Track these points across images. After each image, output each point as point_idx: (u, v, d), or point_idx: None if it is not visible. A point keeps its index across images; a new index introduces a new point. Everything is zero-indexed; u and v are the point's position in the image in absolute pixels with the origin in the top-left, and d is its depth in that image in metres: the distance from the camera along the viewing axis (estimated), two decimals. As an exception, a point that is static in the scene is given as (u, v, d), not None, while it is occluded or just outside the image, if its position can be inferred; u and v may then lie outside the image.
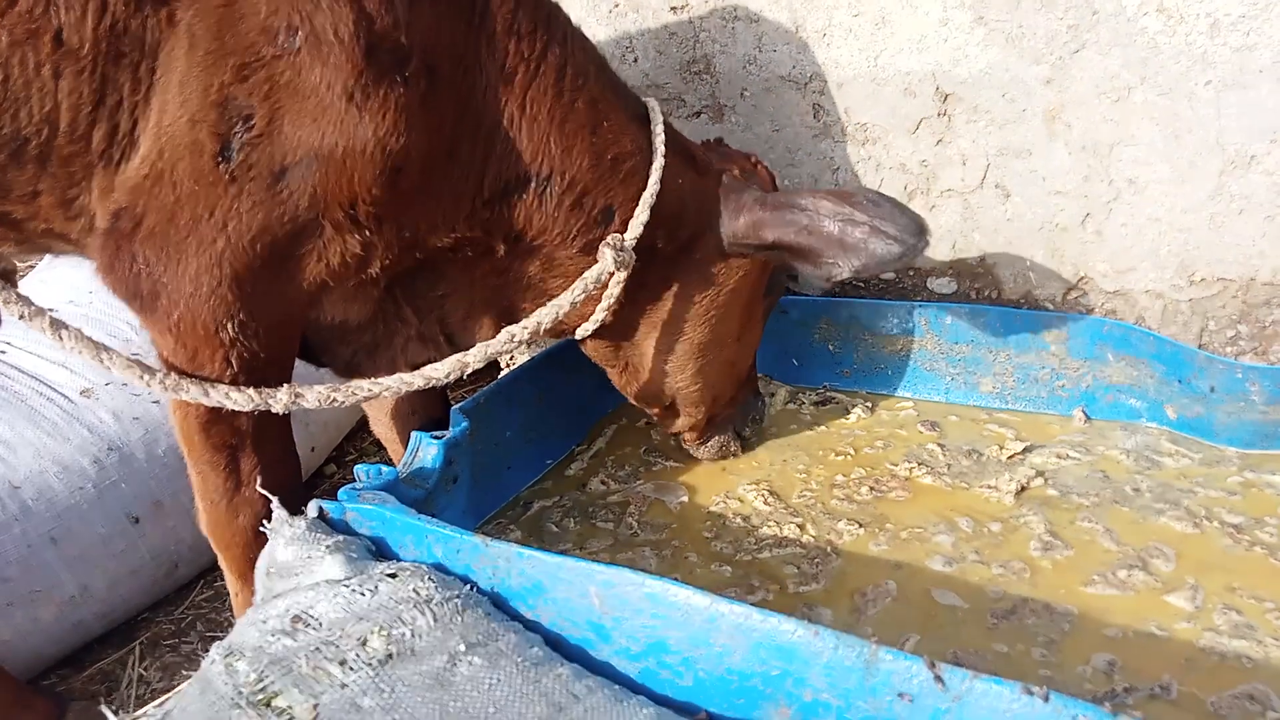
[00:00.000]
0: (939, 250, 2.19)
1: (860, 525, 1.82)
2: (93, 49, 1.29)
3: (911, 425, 2.16)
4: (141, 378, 1.45)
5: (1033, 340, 2.12)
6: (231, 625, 2.42)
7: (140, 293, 1.39)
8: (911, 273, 2.25)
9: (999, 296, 2.18)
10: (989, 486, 1.88)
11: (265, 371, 1.48)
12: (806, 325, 2.35)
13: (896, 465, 2.00)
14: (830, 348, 2.34)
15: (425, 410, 2.10)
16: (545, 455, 2.17)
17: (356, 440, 3.24)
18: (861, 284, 2.33)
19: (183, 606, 2.51)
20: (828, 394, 2.32)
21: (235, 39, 1.31)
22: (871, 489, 1.94)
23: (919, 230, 1.66)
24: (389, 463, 3.04)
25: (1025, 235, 2.09)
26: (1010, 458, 1.98)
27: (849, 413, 2.23)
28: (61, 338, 1.44)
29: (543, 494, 2.08)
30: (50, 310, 1.45)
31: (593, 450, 2.23)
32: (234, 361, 1.43)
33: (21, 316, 1.43)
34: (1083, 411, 2.09)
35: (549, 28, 1.60)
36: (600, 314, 1.76)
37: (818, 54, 2.13)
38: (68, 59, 1.30)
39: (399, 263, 1.57)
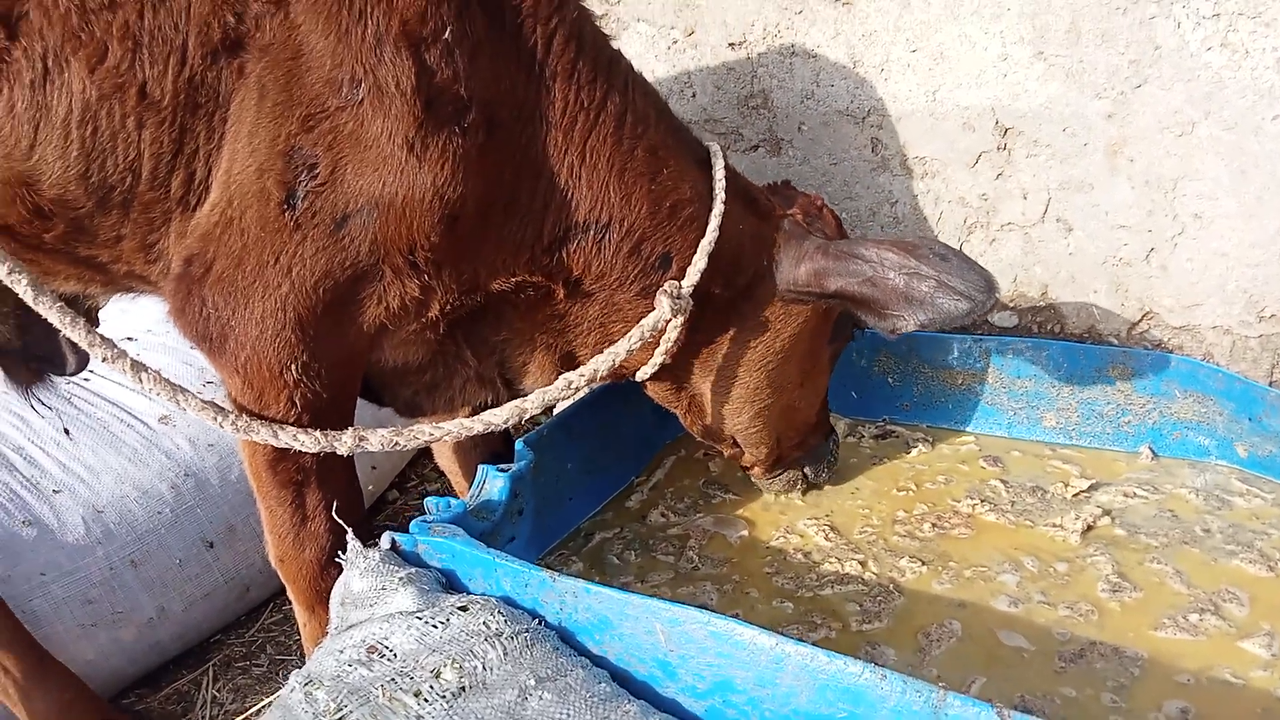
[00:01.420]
0: (1000, 283, 2.18)
1: (923, 563, 1.81)
2: (173, 101, 1.36)
3: (973, 460, 2.15)
4: (215, 419, 1.51)
5: (1097, 375, 2.10)
6: (300, 649, 2.49)
7: (209, 335, 1.45)
8: (960, 322, 2.24)
9: (1062, 331, 2.16)
10: (1054, 525, 1.86)
11: (327, 411, 1.53)
12: (865, 358, 2.35)
13: (959, 501, 1.99)
14: (889, 380, 2.34)
15: (487, 443, 2.14)
16: (605, 487, 2.20)
17: (418, 466, 3.31)
18: (921, 317, 2.33)
19: (253, 629, 2.58)
20: (887, 427, 2.32)
21: (302, 91, 1.37)
22: (934, 525, 1.93)
23: (988, 287, 1.64)
24: (450, 490, 3.10)
25: (1088, 269, 2.08)
26: (1075, 495, 1.96)
27: (909, 447, 2.23)
28: (141, 380, 1.51)
29: (603, 525, 2.11)
30: (128, 339, 1.53)
31: (652, 482, 2.25)
32: (298, 401, 1.49)
33: (105, 359, 1.50)
34: (1149, 448, 2.07)
35: (609, 75, 1.62)
36: (658, 358, 1.78)
37: (876, 89, 2.15)
38: (150, 110, 1.37)
39: (459, 307, 1.61)
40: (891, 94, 2.12)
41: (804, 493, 2.11)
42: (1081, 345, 2.11)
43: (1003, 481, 2.04)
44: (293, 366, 1.44)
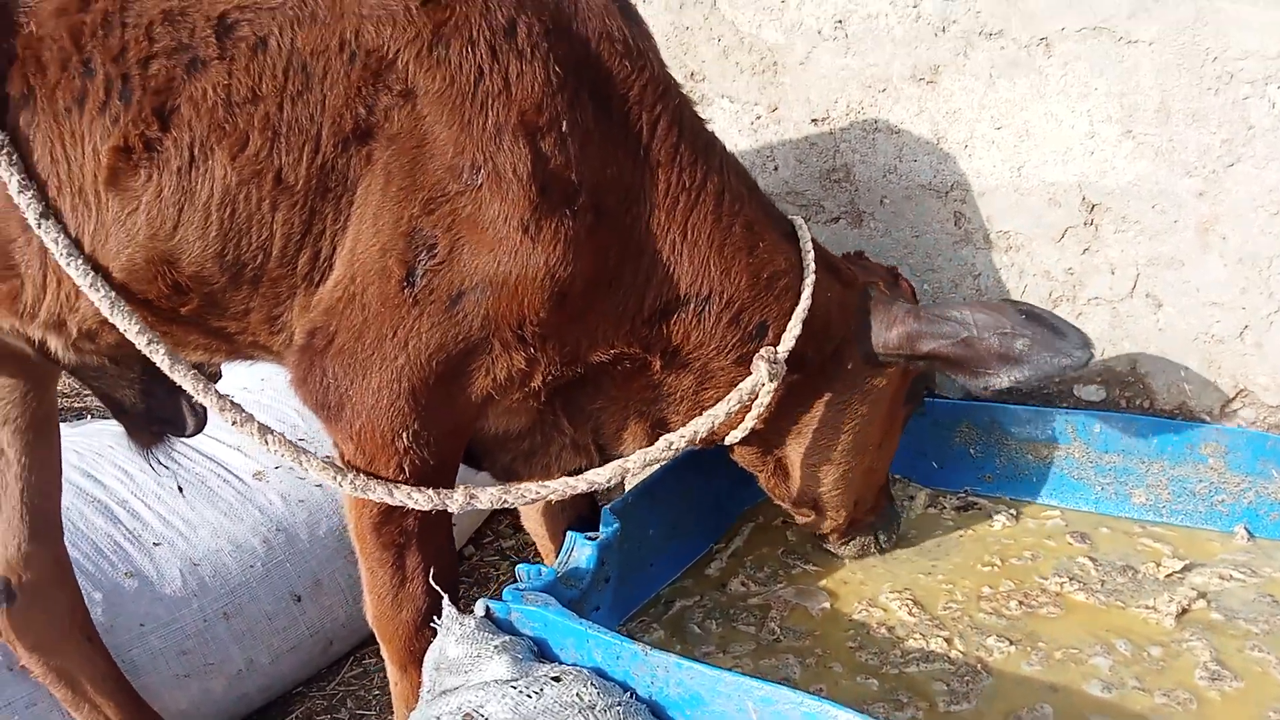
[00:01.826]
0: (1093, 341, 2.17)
1: (1011, 642, 1.79)
2: (305, 185, 1.46)
3: (1060, 536, 2.12)
4: (334, 478, 1.59)
5: (1189, 452, 2.06)
6: (379, 705, 2.53)
7: (328, 404, 1.54)
8: (1057, 379, 2.23)
9: (1151, 406, 2.14)
10: (1147, 607, 1.83)
11: (433, 477, 1.59)
12: (946, 428, 2.34)
13: (1046, 579, 1.96)
14: (971, 451, 2.33)
15: (574, 507, 2.18)
16: (685, 553, 2.22)
17: (493, 523, 3.36)
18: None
19: (334, 683, 2.63)
20: (969, 499, 2.30)
21: (425, 176, 1.46)
22: (1021, 603, 1.91)
23: (1084, 343, 1.69)
24: (523, 546, 3.14)
25: (1179, 345, 2.06)
26: (1168, 576, 1.92)
27: (993, 520, 2.20)
28: (267, 441, 1.59)
29: (683, 593, 2.12)
30: (229, 391, 1.60)
31: (731, 549, 2.26)
32: (406, 468, 1.55)
33: (234, 423, 1.58)
34: (1245, 529, 2.02)
35: (707, 157, 1.70)
36: (749, 422, 1.82)
37: (959, 164, 2.17)
38: (284, 194, 1.47)
39: (559, 377, 1.67)
40: (975, 169, 2.14)
41: (881, 552, 2.12)
42: (1173, 421, 2.08)
43: (1091, 559, 2.01)
44: (404, 434, 1.51)
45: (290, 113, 1.42)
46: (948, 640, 1.82)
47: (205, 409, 1.94)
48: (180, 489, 2.41)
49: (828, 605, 2.01)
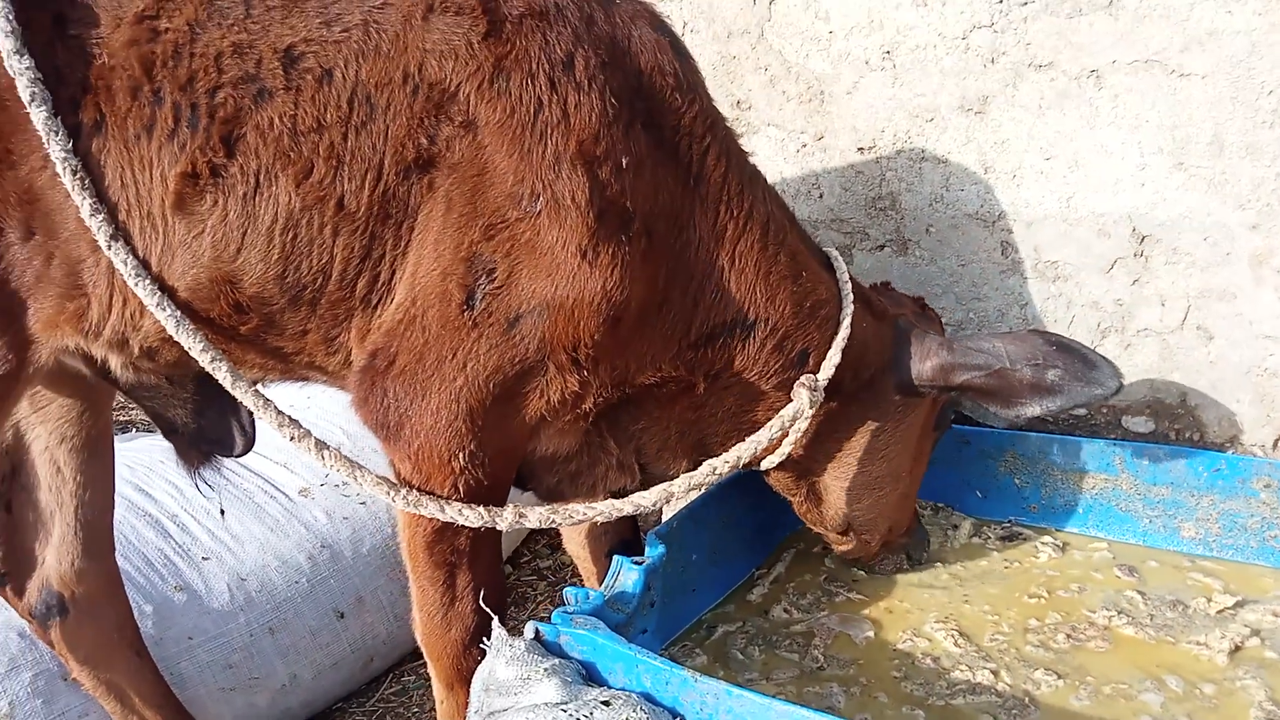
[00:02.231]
0: (1135, 389, 2.16)
1: (1059, 676, 1.77)
2: (367, 212, 1.50)
3: (1107, 569, 2.09)
4: (388, 494, 1.62)
5: (1240, 486, 2.04)
6: (418, 722, 2.55)
7: (388, 424, 1.57)
8: (1105, 410, 2.22)
9: (1201, 439, 2.12)
10: (1198, 643, 1.80)
11: (486, 497, 1.62)
12: (990, 457, 2.33)
13: (1094, 612, 1.94)
14: (1016, 481, 2.32)
15: (616, 530, 2.20)
16: (727, 578, 2.22)
17: (530, 542, 3.38)
18: (1050, 419, 2.31)
19: (373, 699, 2.65)
20: (1013, 529, 2.29)
21: (485, 203, 1.49)
22: (1068, 636, 1.89)
23: (1114, 373, 1.75)
24: (563, 567, 3.15)
25: (1230, 378, 2.04)
26: (1220, 612, 1.89)
27: (1038, 551, 2.19)
28: (323, 457, 1.63)
29: (725, 618, 2.12)
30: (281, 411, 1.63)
31: (773, 575, 2.26)
32: (460, 487, 1.58)
33: (292, 438, 1.62)
34: (1299, 565, 1.99)
35: (753, 187, 1.75)
36: (786, 448, 1.85)
37: (1007, 194, 2.17)
38: (346, 220, 1.51)
39: (609, 399, 1.71)
40: (1023, 199, 2.15)
41: (912, 568, 2.15)
42: (1224, 455, 2.05)
43: (1140, 593, 1.99)
44: (461, 455, 1.54)
45: (354, 142, 1.46)
46: (994, 672, 1.80)
47: (253, 430, 1.99)
48: (222, 511, 2.45)
49: (872, 634, 2.00)
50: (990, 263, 2.24)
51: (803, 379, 1.76)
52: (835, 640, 1.99)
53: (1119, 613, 1.92)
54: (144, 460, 2.58)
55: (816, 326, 1.80)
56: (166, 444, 2.64)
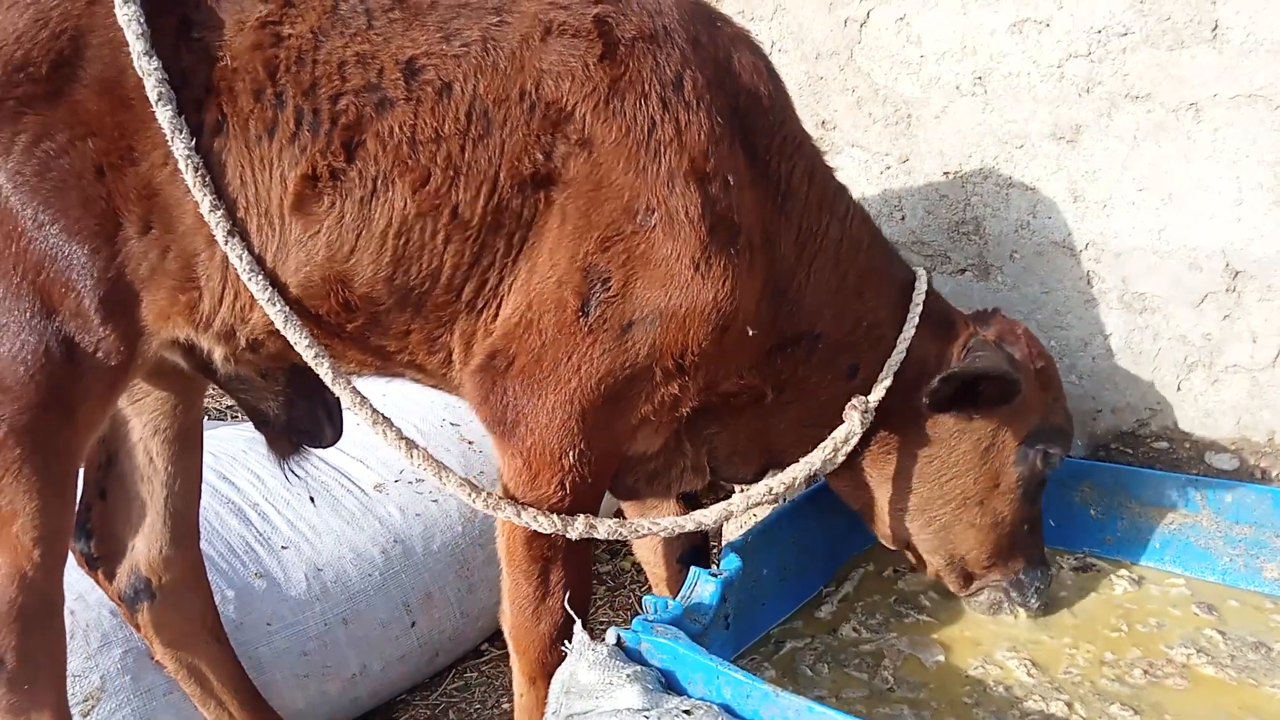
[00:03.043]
0: (1221, 425, 2.13)
1: (1135, 712, 1.76)
2: (479, 221, 1.56)
3: (1185, 605, 2.07)
4: (469, 496, 1.67)
5: (1329, 530, 2.00)
6: (480, 718, 2.59)
7: (505, 420, 1.63)
8: (1187, 444, 2.19)
9: (1288, 479, 2.08)
10: (1282, 687, 1.78)
11: (588, 494, 1.68)
12: (1066, 486, 2.31)
13: (1172, 649, 1.92)
14: (1092, 512, 2.29)
15: (688, 537, 2.23)
16: (796, 594, 2.23)
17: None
18: (1129, 450, 2.29)
19: (436, 693, 2.71)
20: (1088, 560, 2.27)
21: (600, 216, 1.55)
22: (1145, 672, 1.87)
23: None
24: (621, 574, 3.18)
25: (1322, 419, 2.01)
26: (1305, 657, 1.86)
27: (1114, 584, 2.17)
28: (411, 455, 1.68)
29: (793, 634, 2.13)
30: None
31: (841, 594, 2.26)
32: (567, 485, 1.64)
33: (383, 435, 1.67)
34: (1387, 613, 1.95)
35: (833, 205, 1.82)
36: (838, 460, 1.88)
37: (1096, 223, 2.16)
38: (458, 228, 1.56)
39: (698, 404, 1.77)
40: (1113, 230, 2.13)
41: (1014, 614, 2.07)
42: (1312, 497, 2.02)
43: (1220, 632, 1.96)
44: (571, 453, 1.61)
45: (471, 154, 1.51)
46: (1068, 704, 1.79)
47: (341, 422, 2.06)
48: (312, 499, 2.52)
49: (942, 658, 1.99)
50: (1075, 291, 2.23)
51: (854, 400, 1.83)
52: (905, 662, 1.99)
53: (1198, 651, 1.90)
54: (228, 449, 2.66)
55: (870, 345, 1.87)
56: (249, 434, 2.75)
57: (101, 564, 2.01)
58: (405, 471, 2.72)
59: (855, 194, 1.95)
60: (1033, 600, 2.04)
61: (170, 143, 1.50)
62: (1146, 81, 2.03)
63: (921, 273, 1.95)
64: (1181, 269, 2.08)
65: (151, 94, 1.48)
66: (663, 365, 1.61)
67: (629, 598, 3.08)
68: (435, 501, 2.70)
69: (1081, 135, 2.13)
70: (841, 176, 1.89)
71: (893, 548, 2.12)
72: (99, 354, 1.58)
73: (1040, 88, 2.15)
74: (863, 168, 2.45)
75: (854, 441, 1.82)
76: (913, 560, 2.12)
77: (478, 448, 2.88)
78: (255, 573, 2.37)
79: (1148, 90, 2.02)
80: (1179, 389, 2.16)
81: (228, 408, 4.10)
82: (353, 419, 1.79)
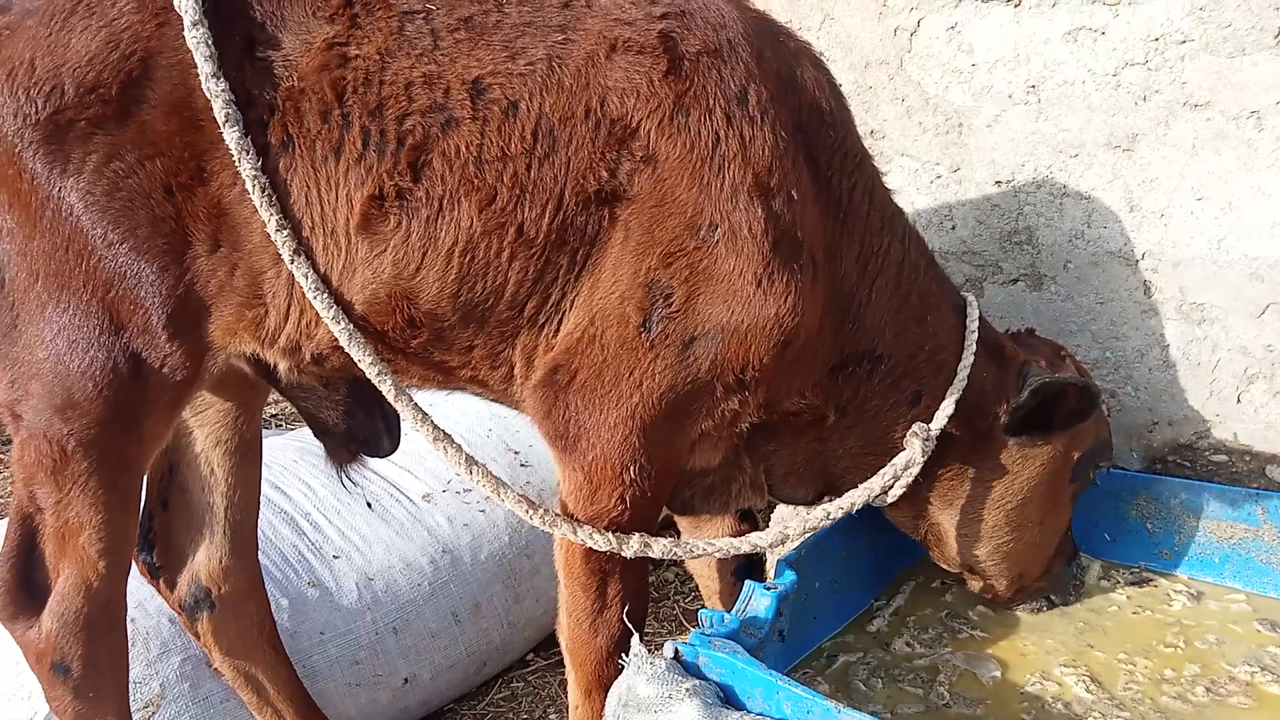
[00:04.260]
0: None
1: (1201, 731, 1.73)
2: (544, 239, 1.57)
3: (1247, 622, 2.03)
4: (526, 512, 1.68)
5: (1397, 546, 1.95)
6: (528, 729, 2.60)
7: (566, 435, 1.64)
8: (1247, 458, 2.16)
9: (1354, 494, 2.04)
10: (1353, 707, 1.74)
11: (647, 508, 1.68)
12: (1121, 500, 2.28)
13: (1235, 666, 1.89)
14: (1149, 526, 2.26)
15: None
16: (847, 607, 2.21)
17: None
18: (1187, 464, 2.25)
19: (483, 703, 2.72)
20: (1144, 574, 2.23)
21: (663, 233, 1.56)
22: (1208, 690, 1.84)
23: None
24: (665, 584, 3.17)
25: (1390, 432, 1.96)
26: (1374, 676, 1.82)
27: (1171, 599, 2.13)
28: (471, 471, 1.69)
29: (845, 648, 2.12)
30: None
31: (892, 607, 2.25)
32: (627, 499, 1.64)
33: (444, 451, 1.69)
34: None
35: (893, 226, 1.81)
36: (898, 490, 1.87)
37: (1153, 233, 2.13)
38: (523, 246, 1.57)
39: (757, 421, 1.76)
40: (1171, 239, 2.10)
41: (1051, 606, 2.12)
42: (1378, 512, 1.98)
43: (1285, 650, 1.92)
44: (632, 468, 1.61)
45: (537, 172, 1.52)
46: (1131, 723, 1.77)
47: (399, 431, 2.08)
48: (369, 504, 2.55)
49: (998, 674, 1.97)
50: (1131, 302, 2.20)
51: (915, 428, 1.81)
52: (960, 678, 1.97)
53: (1262, 669, 1.87)
54: (279, 459, 2.69)
55: (933, 371, 1.86)
56: (300, 443, 2.78)
57: (163, 573, 2.04)
58: (453, 482, 2.73)
59: (905, 204, 1.95)
60: (1071, 597, 2.11)
61: (237, 163, 1.52)
62: (1206, 89, 2.00)
63: (971, 298, 1.96)
64: (1242, 279, 2.05)
65: (219, 115, 1.50)
66: (724, 380, 1.61)
67: (673, 608, 3.08)
68: (483, 512, 2.71)
69: (1138, 144, 2.10)
70: (891, 186, 1.89)
71: (953, 571, 2.12)
72: (165, 369, 1.61)
73: (1095, 96, 2.12)
74: (912, 177, 2.44)
75: (915, 470, 1.80)
76: (969, 580, 2.12)
77: (523, 458, 2.90)
78: (308, 582, 2.40)
79: (1207, 98, 2.00)
80: (1239, 401, 2.13)
81: (271, 416, 4.15)
82: (411, 432, 1.81)
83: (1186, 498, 2.20)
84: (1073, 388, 1.82)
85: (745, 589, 1.85)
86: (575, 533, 1.65)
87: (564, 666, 1.84)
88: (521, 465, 2.88)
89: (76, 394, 1.60)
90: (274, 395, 2.13)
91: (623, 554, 1.67)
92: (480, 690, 2.75)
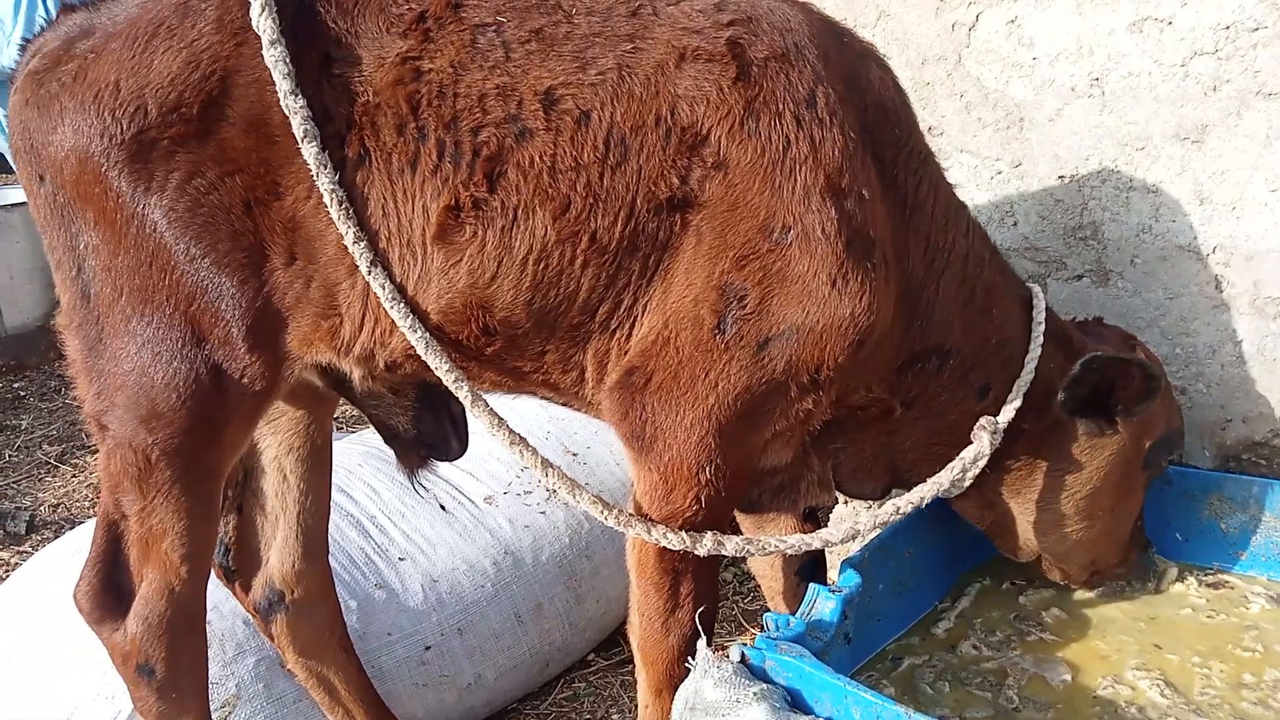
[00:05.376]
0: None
1: (1283, 737, 1.68)
2: (616, 245, 1.59)
3: (1329, 625, 1.97)
4: (601, 513, 1.70)
5: None
6: (590, 729, 2.62)
7: (642, 435, 1.66)
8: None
9: None
10: None
11: (721, 508, 1.69)
12: (1194, 499, 2.23)
13: (1319, 671, 1.84)
14: (1222, 526, 2.21)
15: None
16: (911, 609, 2.20)
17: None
18: (1262, 461, 2.19)
19: (545, 703, 2.75)
20: (1219, 576, 2.18)
21: (736, 236, 1.57)
22: (1290, 695, 1.79)
23: None
24: (723, 585, 3.18)
25: None
26: None
27: (1248, 601, 2.08)
28: (547, 474, 1.71)
29: (910, 650, 2.10)
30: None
31: (957, 609, 2.22)
32: (702, 499, 1.66)
33: (520, 454, 1.71)
34: None
35: (957, 221, 1.81)
36: (967, 483, 1.86)
37: (1225, 226, 2.08)
38: (596, 253, 1.60)
39: (829, 419, 1.78)
40: (1244, 232, 2.05)
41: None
42: None
43: (1371, 655, 1.87)
44: (708, 468, 1.62)
45: (609, 180, 1.54)
46: (1209, 728, 1.73)
47: (467, 435, 2.11)
48: (443, 506, 2.60)
49: (1069, 677, 1.94)
50: (1202, 297, 2.15)
51: (983, 421, 1.81)
52: (1030, 681, 1.94)
53: (1347, 674, 1.81)
54: (344, 462, 2.74)
55: (1000, 364, 1.85)
56: (364, 447, 2.84)
57: (238, 576, 2.10)
58: (514, 484, 2.77)
59: (965, 199, 1.93)
60: (1150, 582, 2.11)
61: (315, 178, 1.56)
62: (1279, 78, 1.94)
63: (1037, 289, 1.94)
64: (1320, 272, 1.99)
65: (297, 131, 1.54)
66: (798, 381, 1.62)
67: (731, 609, 3.08)
68: (543, 514, 2.75)
69: (1208, 135, 2.05)
70: (950, 181, 1.87)
71: (1021, 560, 2.11)
72: (245, 380, 1.66)
73: (1162, 87, 2.08)
74: (972, 173, 2.41)
75: (983, 462, 1.80)
76: (1044, 565, 2.11)
77: (581, 460, 2.92)
78: (375, 584, 2.45)
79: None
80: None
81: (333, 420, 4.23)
82: (479, 432, 1.84)
83: (1263, 496, 2.14)
84: (1131, 364, 1.79)
85: (809, 591, 1.85)
86: (649, 532, 1.66)
87: (625, 667, 1.85)
88: (582, 464, 2.90)
89: (160, 405, 1.65)
90: (336, 399, 2.17)
91: (696, 552, 1.68)
92: (543, 690, 2.78)
